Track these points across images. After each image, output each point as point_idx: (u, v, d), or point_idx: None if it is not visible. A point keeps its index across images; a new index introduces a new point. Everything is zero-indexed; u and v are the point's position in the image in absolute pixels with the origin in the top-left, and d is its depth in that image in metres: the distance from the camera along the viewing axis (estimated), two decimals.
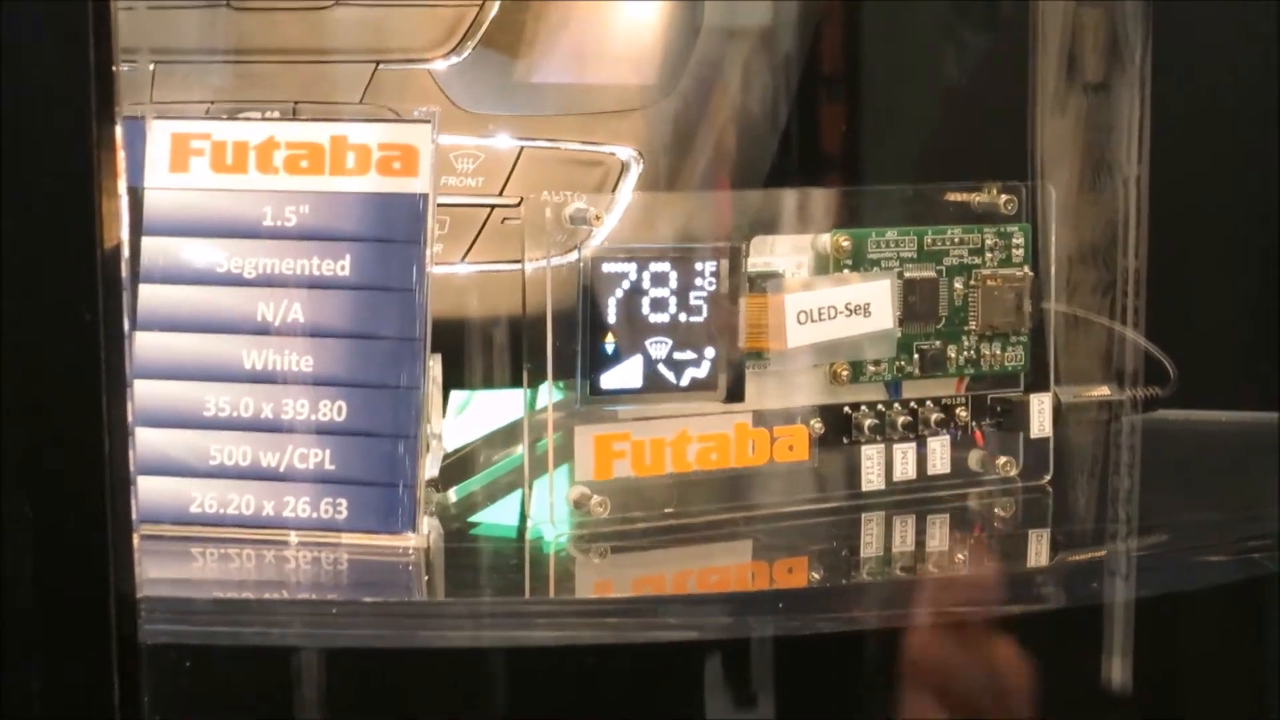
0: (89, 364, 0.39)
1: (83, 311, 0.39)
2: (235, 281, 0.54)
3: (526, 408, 0.56)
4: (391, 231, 0.54)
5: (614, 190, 0.60)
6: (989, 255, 0.60)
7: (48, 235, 0.39)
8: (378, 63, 0.62)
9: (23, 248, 0.39)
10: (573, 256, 0.54)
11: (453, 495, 0.59)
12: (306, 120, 0.55)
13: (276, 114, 0.57)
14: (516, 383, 0.60)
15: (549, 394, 0.55)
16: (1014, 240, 0.61)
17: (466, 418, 0.63)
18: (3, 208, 0.38)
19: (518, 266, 0.56)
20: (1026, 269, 0.61)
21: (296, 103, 0.60)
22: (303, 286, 0.54)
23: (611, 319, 0.55)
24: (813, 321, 0.57)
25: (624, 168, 0.60)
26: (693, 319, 0.56)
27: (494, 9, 0.62)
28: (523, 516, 0.58)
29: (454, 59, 0.62)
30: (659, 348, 0.55)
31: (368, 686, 0.51)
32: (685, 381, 0.56)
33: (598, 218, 0.54)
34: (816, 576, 0.56)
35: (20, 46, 0.38)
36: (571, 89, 0.63)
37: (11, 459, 0.39)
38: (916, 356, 0.60)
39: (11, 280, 0.38)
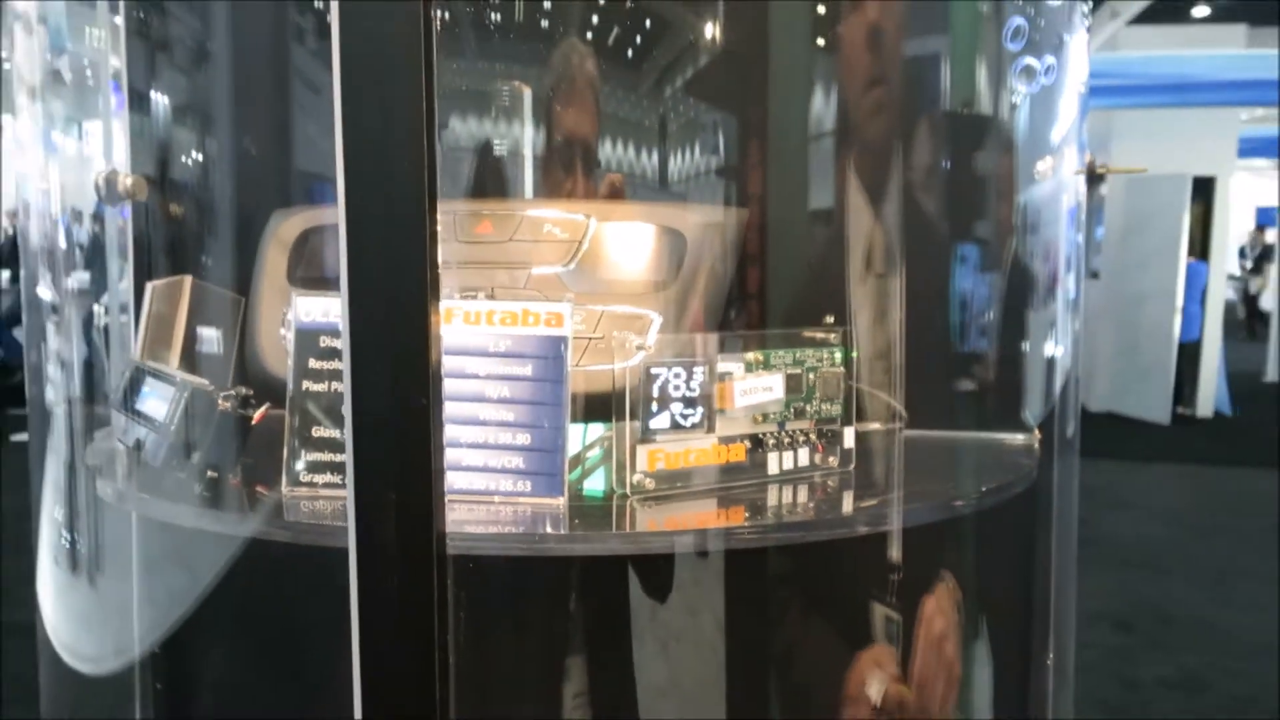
0: (424, 421, 0.40)
1: (421, 396, 0.40)
2: (474, 377, 0.56)
3: (616, 433, 0.58)
4: (549, 353, 0.56)
5: (647, 332, 0.61)
6: (825, 361, 0.63)
7: (406, 356, 0.40)
8: (530, 269, 0.64)
9: (393, 365, 0.40)
10: (634, 362, 0.57)
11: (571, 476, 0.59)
12: (505, 300, 0.57)
13: (482, 295, 0.58)
14: (600, 419, 0.61)
15: (627, 427, 0.57)
16: (838, 355, 0.63)
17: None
18: (391, 345, 0.40)
19: (609, 368, 0.58)
20: (843, 369, 0.63)
21: (493, 288, 0.62)
22: (507, 379, 0.56)
23: (655, 394, 0.58)
24: (746, 395, 0.60)
25: (652, 321, 0.62)
26: (692, 393, 0.59)
27: (585, 245, 0.64)
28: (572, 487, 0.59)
29: (567, 267, 0.64)
30: (677, 407, 0.58)
31: (545, 576, 0.52)
32: (689, 424, 0.59)
33: (648, 347, 0.58)
34: (748, 515, 0.58)
35: (403, 269, 0.39)
36: (624, 281, 0.64)
37: (386, 469, 0.40)
38: (792, 410, 0.62)
39: (390, 382, 0.40)
